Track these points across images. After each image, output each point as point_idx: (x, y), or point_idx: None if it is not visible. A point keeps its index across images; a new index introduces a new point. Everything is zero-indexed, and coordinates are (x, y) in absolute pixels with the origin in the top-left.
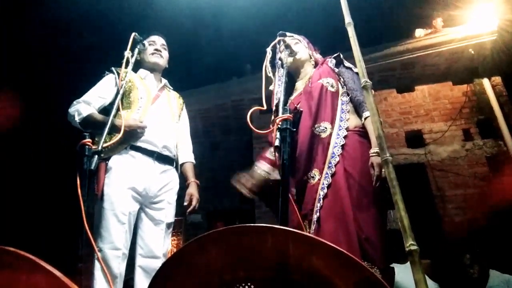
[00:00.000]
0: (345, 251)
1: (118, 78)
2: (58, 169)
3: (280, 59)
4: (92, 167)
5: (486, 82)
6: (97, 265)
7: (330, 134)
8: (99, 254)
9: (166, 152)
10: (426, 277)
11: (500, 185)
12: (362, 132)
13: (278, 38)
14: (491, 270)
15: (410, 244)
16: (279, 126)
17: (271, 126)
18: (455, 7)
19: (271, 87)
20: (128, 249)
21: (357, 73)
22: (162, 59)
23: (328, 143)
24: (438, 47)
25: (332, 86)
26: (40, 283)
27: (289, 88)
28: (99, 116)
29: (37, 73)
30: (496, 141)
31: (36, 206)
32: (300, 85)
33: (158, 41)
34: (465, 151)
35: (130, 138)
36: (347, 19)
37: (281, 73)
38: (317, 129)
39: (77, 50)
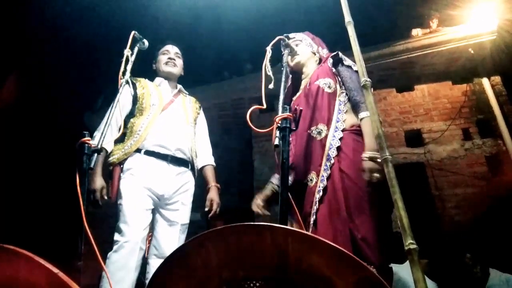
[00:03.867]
0: (345, 250)
1: (132, 86)
2: (58, 167)
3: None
4: (92, 165)
5: (485, 81)
6: (111, 258)
7: (326, 136)
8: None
9: (180, 155)
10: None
11: (499, 185)
12: (359, 131)
13: (277, 38)
14: (491, 269)
15: (410, 243)
16: (279, 125)
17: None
18: (455, 6)
19: (270, 86)
20: (145, 244)
21: (356, 72)
22: (175, 68)
23: (324, 145)
24: (437, 47)
25: (329, 87)
26: (40, 281)
27: (295, 87)
28: None
29: (36, 70)
30: (495, 141)
31: (35, 204)
32: (303, 84)
33: (171, 50)
34: (464, 151)
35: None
36: (347, 18)
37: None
38: (313, 131)
39: (76, 47)
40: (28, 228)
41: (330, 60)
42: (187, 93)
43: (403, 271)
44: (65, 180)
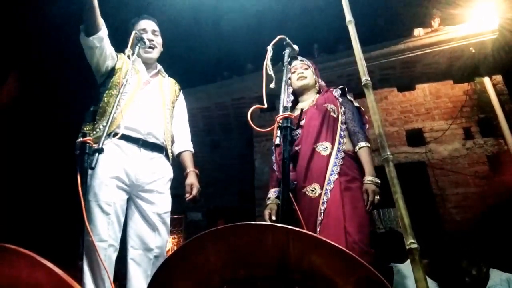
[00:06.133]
0: (345, 249)
1: (116, 57)
2: (58, 166)
3: (290, 78)
4: (93, 165)
5: (487, 80)
6: (85, 259)
7: (330, 154)
8: (96, 246)
9: (151, 139)
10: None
11: (500, 184)
12: (353, 156)
13: (278, 37)
14: (491, 269)
15: (411, 242)
16: (280, 124)
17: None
18: (456, 5)
19: (271, 85)
20: (117, 240)
21: (357, 107)
22: (155, 51)
23: (328, 161)
24: (439, 46)
25: (334, 112)
26: (41, 280)
27: (292, 106)
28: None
29: (36, 69)
30: (496, 140)
31: (36, 203)
32: (303, 106)
33: (148, 27)
34: (465, 150)
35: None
36: (348, 17)
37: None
38: (319, 147)
39: (77, 46)
40: (29, 228)
41: (338, 91)
42: (166, 74)
43: (403, 270)
44: (65, 179)
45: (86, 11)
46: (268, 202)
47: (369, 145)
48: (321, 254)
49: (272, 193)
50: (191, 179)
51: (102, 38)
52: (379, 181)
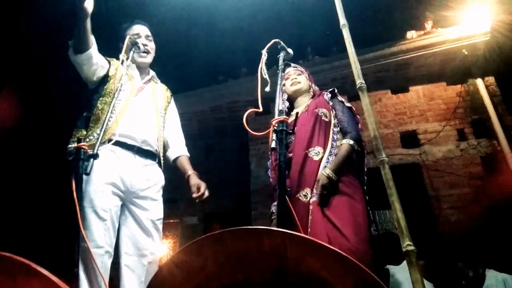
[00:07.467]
0: (342, 253)
1: (108, 64)
2: (53, 172)
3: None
4: (88, 171)
5: (479, 82)
6: (81, 266)
7: (322, 158)
8: (92, 253)
9: (146, 147)
10: None
11: (494, 185)
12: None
13: (273, 41)
14: (487, 270)
15: (407, 244)
16: (275, 128)
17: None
18: (449, 8)
19: (266, 89)
20: (112, 246)
21: (348, 107)
22: (149, 56)
23: (319, 165)
24: (432, 48)
25: (325, 116)
26: (37, 287)
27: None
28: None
29: (34, 73)
30: (490, 141)
31: (32, 211)
32: (298, 111)
33: (142, 32)
34: (459, 151)
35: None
36: (342, 20)
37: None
38: (311, 152)
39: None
40: (25, 235)
41: (328, 94)
42: (159, 80)
43: (399, 272)
44: (60, 185)
45: (79, 30)
46: (273, 217)
47: (351, 143)
48: (318, 257)
49: (274, 207)
50: (195, 180)
51: (91, 56)
52: (333, 177)
